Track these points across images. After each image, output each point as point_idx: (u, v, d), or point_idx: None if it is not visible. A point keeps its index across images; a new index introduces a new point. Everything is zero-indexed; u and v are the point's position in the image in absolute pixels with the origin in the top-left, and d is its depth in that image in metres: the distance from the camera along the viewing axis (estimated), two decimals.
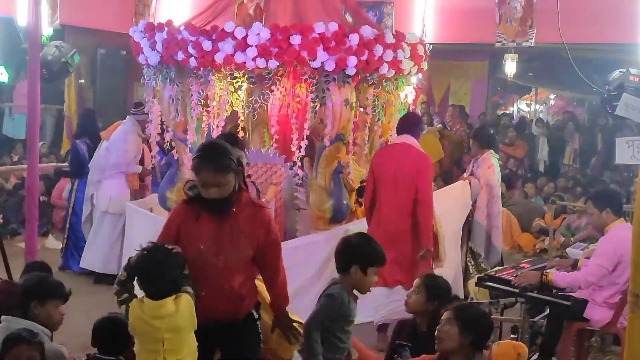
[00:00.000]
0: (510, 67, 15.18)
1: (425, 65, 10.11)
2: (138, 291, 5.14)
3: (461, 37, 14.62)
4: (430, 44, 10.40)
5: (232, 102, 9.24)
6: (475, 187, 9.86)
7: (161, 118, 9.83)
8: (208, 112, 9.32)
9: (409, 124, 8.83)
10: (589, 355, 7.95)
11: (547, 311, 7.89)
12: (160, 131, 9.96)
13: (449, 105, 19.32)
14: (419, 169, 8.37)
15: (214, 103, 9.18)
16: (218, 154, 5.19)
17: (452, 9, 14.01)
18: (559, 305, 7.51)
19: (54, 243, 12.60)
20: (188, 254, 5.20)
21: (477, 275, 8.39)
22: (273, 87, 8.96)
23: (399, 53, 9.21)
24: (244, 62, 8.75)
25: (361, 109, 9.63)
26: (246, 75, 8.95)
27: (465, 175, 10.24)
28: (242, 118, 9.30)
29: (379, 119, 9.73)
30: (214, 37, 8.83)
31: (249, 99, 9.06)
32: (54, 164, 15.33)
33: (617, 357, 7.96)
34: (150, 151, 10.44)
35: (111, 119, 11.18)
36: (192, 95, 9.32)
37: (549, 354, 7.56)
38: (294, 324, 5.75)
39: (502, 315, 8.25)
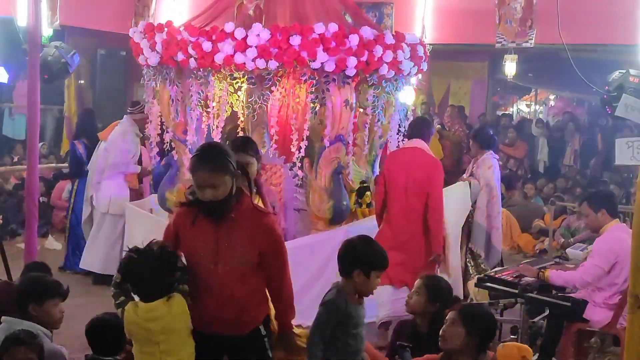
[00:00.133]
0: (509, 67, 15.18)
1: (425, 66, 10.11)
2: None
3: (461, 37, 14.63)
4: (430, 44, 10.41)
5: (231, 103, 9.25)
6: (475, 187, 9.86)
7: (161, 119, 9.83)
8: (208, 112, 9.32)
9: (420, 127, 8.98)
10: (588, 356, 7.94)
11: (547, 312, 7.91)
12: (159, 132, 9.96)
13: (447, 106, 19.32)
14: (430, 175, 8.45)
15: (214, 104, 9.18)
16: (214, 154, 5.08)
17: (452, 9, 14.02)
18: (559, 306, 7.53)
19: (53, 244, 12.62)
20: (187, 259, 5.15)
21: (477, 276, 8.40)
22: (273, 88, 8.95)
23: (399, 54, 9.21)
24: (244, 63, 8.74)
25: (361, 110, 9.64)
26: (246, 76, 8.95)
27: (465, 176, 10.24)
28: (241, 119, 9.30)
29: (378, 120, 9.73)
30: (213, 37, 8.83)
31: (249, 100, 9.06)
32: (53, 164, 15.35)
33: (617, 357, 7.95)
34: (150, 152, 10.44)
35: (111, 119, 11.19)
36: (191, 95, 9.32)
37: (549, 354, 7.57)
38: (300, 339, 5.64)
39: (501, 316, 8.27)
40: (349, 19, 10.15)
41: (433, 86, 20.54)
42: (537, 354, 7.56)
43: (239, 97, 9.22)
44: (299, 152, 8.96)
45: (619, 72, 11.06)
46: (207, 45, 8.81)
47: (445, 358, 5.17)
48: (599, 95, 11.80)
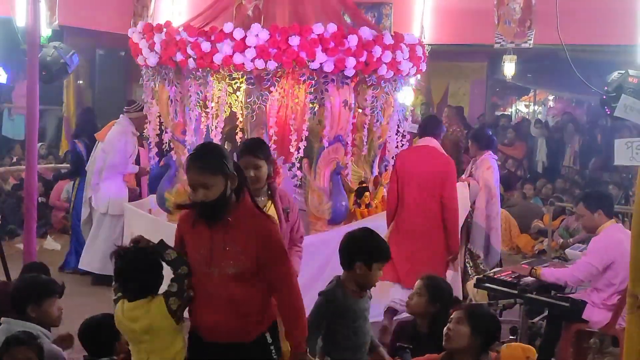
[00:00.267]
0: (508, 68, 15.18)
1: (424, 67, 10.11)
2: None
3: (460, 38, 14.63)
4: (428, 45, 10.44)
5: (230, 103, 9.26)
6: (474, 188, 9.85)
7: (160, 119, 9.84)
8: (207, 113, 9.33)
9: (432, 126, 9.01)
10: (587, 356, 7.94)
11: (546, 312, 7.91)
12: (158, 132, 9.96)
13: (445, 107, 19.32)
14: (444, 174, 8.52)
15: (213, 104, 9.19)
16: (207, 154, 4.93)
17: (451, 10, 14.02)
18: (558, 307, 7.53)
19: (52, 244, 12.61)
20: (190, 262, 5.01)
21: (476, 277, 8.39)
22: (272, 88, 8.97)
23: (398, 54, 9.22)
24: (243, 63, 8.75)
25: (360, 110, 9.64)
26: (245, 77, 8.96)
27: (464, 176, 10.24)
28: (240, 119, 9.31)
29: (377, 120, 9.75)
30: (212, 38, 8.84)
31: (248, 100, 9.07)
32: (52, 164, 15.34)
33: (616, 358, 7.94)
34: (149, 152, 10.43)
35: (110, 119, 11.16)
36: (190, 96, 9.34)
37: (548, 355, 7.57)
38: None
39: (500, 316, 8.25)
40: (347, 20, 10.18)
41: (432, 87, 20.54)
42: (537, 355, 7.55)
43: (237, 97, 9.24)
44: (298, 153, 8.98)
45: (618, 73, 11.07)
46: (206, 46, 8.82)
47: (447, 358, 5.16)
48: (598, 96, 11.81)
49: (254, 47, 8.69)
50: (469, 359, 5.06)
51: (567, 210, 13.76)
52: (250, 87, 9.02)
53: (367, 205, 9.85)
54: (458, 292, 9.24)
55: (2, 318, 5.53)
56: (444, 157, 8.78)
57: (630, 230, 6.82)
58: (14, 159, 16.18)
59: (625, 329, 5.96)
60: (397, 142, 10.17)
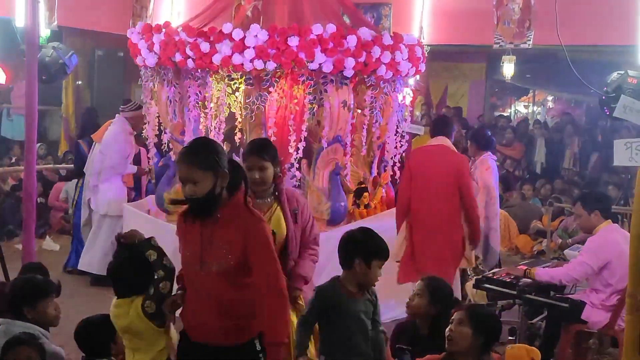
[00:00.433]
0: (507, 68, 15.16)
1: (422, 67, 10.12)
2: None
3: (459, 38, 14.61)
4: (427, 45, 10.43)
5: (229, 104, 9.26)
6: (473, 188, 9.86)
7: (158, 119, 9.84)
8: (206, 113, 9.33)
9: (443, 125, 9.15)
10: (587, 357, 7.96)
11: (545, 313, 7.91)
12: (157, 132, 9.97)
13: (442, 107, 19.32)
14: (459, 169, 8.64)
15: (212, 104, 9.19)
16: (198, 149, 4.86)
17: (450, 10, 14.00)
18: (557, 308, 7.54)
19: (51, 244, 12.62)
20: (182, 260, 5.00)
21: (475, 277, 8.40)
22: (271, 89, 8.96)
23: (397, 55, 9.21)
24: (242, 64, 8.75)
25: (359, 111, 9.64)
26: (244, 77, 8.96)
27: None
28: (239, 119, 9.31)
29: (376, 121, 9.74)
30: (211, 38, 8.83)
31: (247, 101, 9.07)
32: (51, 165, 15.34)
33: (615, 359, 7.96)
34: (148, 152, 10.43)
35: (109, 120, 11.17)
36: (189, 96, 9.35)
37: (548, 356, 7.57)
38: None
39: (499, 317, 8.26)
40: (347, 20, 10.17)
41: (431, 87, 20.54)
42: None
43: (236, 97, 9.24)
44: (297, 153, 8.97)
45: (618, 73, 11.07)
46: (205, 46, 8.82)
47: (448, 359, 5.16)
48: (597, 96, 11.81)
49: (253, 48, 8.68)
50: None
51: (566, 211, 13.77)
52: (249, 87, 9.02)
53: (366, 206, 9.85)
54: (457, 293, 9.26)
55: (1, 319, 5.53)
56: (457, 155, 8.96)
57: (628, 231, 6.86)
58: (13, 160, 16.18)
59: (624, 330, 5.97)
60: (396, 142, 10.17)
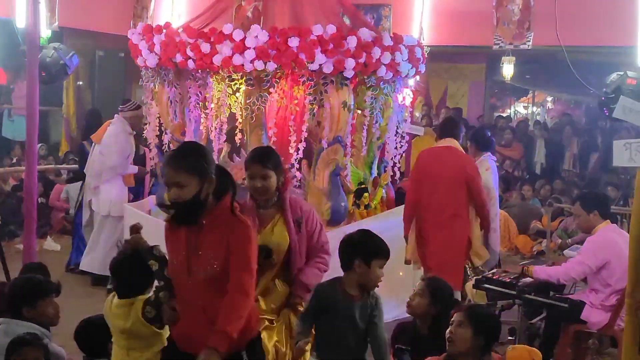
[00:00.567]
0: (507, 69, 15.18)
1: (422, 68, 10.13)
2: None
3: (459, 39, 14.64)
4: (427, 46, 10.44)
5: (230, 104, 9.27)
6: None
7: (159, 120, 9.86)
8: (206, 114, 9.35)
9: (451, 127, 9.18)
10: (586, 357, 7.97)
11: (545, 313, 7.92)
12: (158, 133, 9.98)
13: (442, 108, 19.33)
14: (466, 168, 8.69)
15: (212, 105, 9.21)
16: (185, 153, 4.81)
17: (450, 11, 14.03)
18: (557, 308, 7.55)
19: (52, 245, 12.65)
20: (170, 268, 4.89)
21: (475, 278, 8.42)
22: (271, 89, 8.97)
23: (397, 55, 9.23)
24: (242, 65, 8.76)
25: (359, 111, 9.65)
26: (244, 78, 8.97)
27: None
28: (240, 120, 9.32)
29: (376, 121, 9.76)
30: (212, 39, 8.85)
31: (247, 101, 9.08)
32: (52, 165, 15.36)
33: (615, 359, 7.97)
34: (150, 153, 10.44)
35: (108, 120, 11.19)
36: (190, 97, 9.36)
37: (547, 355, 7.58)
38: None
39: (499, 317, 8.27)
40: (347, 21, 10.18)
41: (431, 88, 20.55)
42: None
43: (237, 98, 9.24)
44: (297, 154, 8.99)
45: (617, 74, 11.09)
46: (205, 47, 8.84)
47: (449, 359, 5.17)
48: (596, 97, 11.83)
49: (254, 49, 8.70)
50: None
51: (566, 211, 13.79)
52: (249, 88, 9.03)
53: (366, 206, 9.86)
54: (456, 293, 9.29)
55: (1, 318, 5.54)
56: (464, 155, 8.99)
57: (627, 231, 6.88)
58: (14, 160, 16.20)
59: (623, 330, 5.99)
60: (396, 143, 10.18)
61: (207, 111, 9.32)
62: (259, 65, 8.72)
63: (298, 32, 8.74)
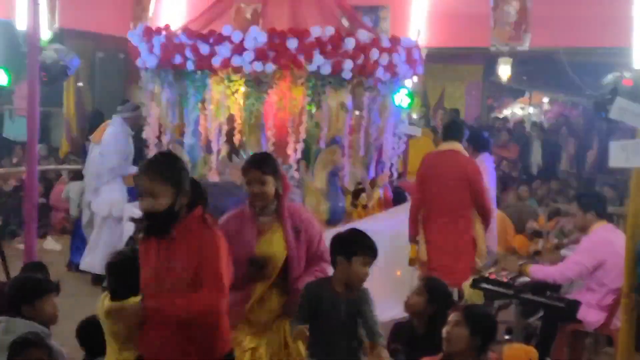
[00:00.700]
0: (504, 70, 15.25)
1: (420, 69, 10.18)
2: None
3: (456, 41, 14.67)
4: (425, 47, 10.48)
5: (229, 106, 9.31)
6: None
7: (159, 121, 9.89)
8: (205, 115, 9.40)
9: (454, 130, 9.19)
10: (582, 356, 8.02)
11: (542, 313, 7.97)
12: (158, 134, 10.01)
13: (439, 109, 19.36)
14: (469, 172, 8.72)
15: (211, 106, 9.25)
16: (161, 162, 4.67)
17: (447, 13, 14.07)
18: (553, 307, 7.58)
19: (52, 244, 12.69)
20: (141, 279, 4.77)
21: (472, 277, 8.46)
22: (270, 91, 9.02)
23: (395, 57, 9.28)
24: (241, 66, 8.80)
25: (357, 112, 9.70)
26: (243, 79, 9.01)
27: None
28: (239, 121, 9.37)
29: (374, 122, 9.80)
30: (211, 40, 8.88)
31: (246, 102, 9.13)
32: (52, 166, 15.39)
33: (611, 358, 8.01)
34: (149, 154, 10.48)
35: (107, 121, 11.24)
36: (189, 98, 9.39)
37: (544, 355, 7.62)
38: None
39: (496, 316, 8.31)
40: (345, 23, 10.22)
41: (428, 89, 20.58)
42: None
43: (236, 99, 9.28)
44: (296, 154, 9.03)
45: (613, 75, 11.14)
46: (204, 48, 8.87)
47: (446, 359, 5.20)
48: (593, 98, 11.87)
49: (252, 50, 8.74)
50: None
51: (562, 211, 13.82)
52: (248, 89, 9.07)
53: (364, 207, 9.91)
54: (453, 293, 9.34)
55: (1, 317, 5.56)
56: (467, 159, 8.99)
57: (623, 231, 6.94)
58: (15, 161, 16.22)
59: (619, 329, 6.06)
60: (394, 144, 10.23)
61: (206, 112, 9.36)
62: (258, 66, 8.76)
63: (296, 33, 8.78)
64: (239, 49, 8.76)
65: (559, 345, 7.70)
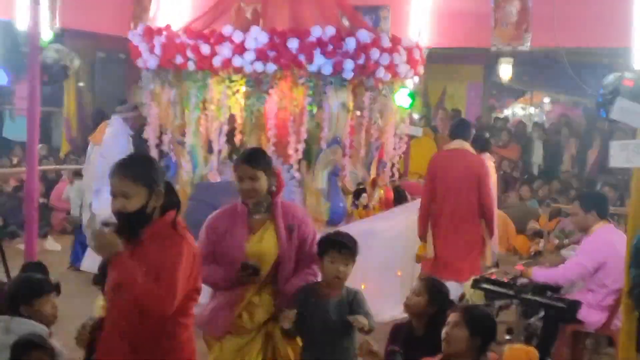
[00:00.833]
0: (505, 70, 15.26)
1: (421, 69, 10.18)
2: None
3: (457, 41, 14.63)
4: (426, 47, 10.47)
5: (229, 106, 9.31)
6: None
7: (160, 121, 9.89)
8: (206, 115, 9.39)
9: (462, 129, 9.39)
10: (583, 357, 8.01)
11: (542, 313, 7.96)
12: (158, 134, 10.01)
13: (440, 109, 19.35)
14: (478, 172, 8.98)
15: (212, 106, 9.25)
16: (134, 162, 4.59)
17: (448, 13, 14.03)
18: (554, 308, 7.57)
19: (53, 245, 12.68)
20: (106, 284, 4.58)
21: (473, 277, 8.46)
22: (270, 91, 9.02)
23: (396, 57, 9.28)
24: (242, 66, 8.82)
25: (358, 113, 9.70)
26: (244, 79, 9.03)
27: None
28: (239, 121, 9.37)
29: (375, 122, 9.80)
30: (212, 41, 8.90)
31: (247, 102, 9.13)
32: (53, 166, 15.39)
33: (612, 358, 8.01)
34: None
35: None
36: (190, 98, 9.39)
37: (545, 355, 7.61)
38: None
39: (497, 317, 8.31)
40: (346, 23, 10.22)
41: (429, 89, 20.56)
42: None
43: (237, 99, 9.29)
44: (297, 154, 9.03)
45: (614, 75, 11.11)
46: (205, 49, 8.88)
47: None
48: (594, 98, 11.85)
49: (253, 50, 8.75)
50: None
51: (563, 211, 13.82)
52: (249, 89, 9.09)
53: (365, 207, 9.91)
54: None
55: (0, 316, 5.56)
56: (477, 157, 9.21)
57: (624, 231, 6.93)
58: (15, 161, 16.22)
59: (621, 330, 6.05)
60: (395, 144, 10.24)
61: (206, 112, 9.36)
62: (259, 66, 8.78)
63: (297, 33, 8.80)
64: (240, 49, 8.77)
65: (559, 346, 7.69)
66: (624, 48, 12.19)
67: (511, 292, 7.66)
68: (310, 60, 8.74)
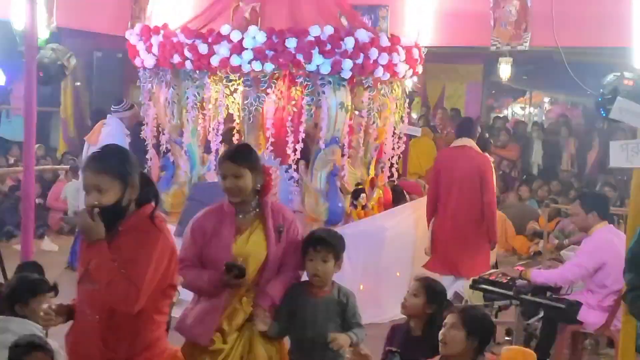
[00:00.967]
0: (504, 70, 15.21)
1: (420, 69, 10.15)
2: None
3: (456, 40, 14.61)
4: (425, 47, 10.45)
5: (227, 105, 9.29)
6: None
7: (157, 121, 9.87)
8: (204, 115, 9.37)
9: (467, 127, 9.56)
10: (583, 357, 7.98)
11: (542, 314, 7.94)
12: (156, 134, 9.99)
13: (439, 109, 19.33)
14: (482, 170, 9.14)
15: (210, 106, 9.22)
16: (107, 155, 4.37)
17: (447, 12, 14.00)
18: (553, 308, 7.56)
19: (50, 245, 12.65)
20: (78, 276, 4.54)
21: (472, 278, 8.43)
22: (268, 90, 9.00)
23: (394, 56, 9.26)
24: (240, 65, 8.79)
25: (356, 112, 9.68)
26: (242, 78, 9.01)
27: None
28: (237, 121, 9.34)
29: (374, 122, 9.78)
30: (209, 40, 8.88)
31: (245, 102, 9.11)
32: (49, 166, 15.36)
33: (611, 359, 7.99)
34: (146, 154, 10.43)
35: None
36: (187, 98, 9.37)
37: (544, 356, 7.60)
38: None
39: (496, 317, 8.28)
40: (344, 22, 10.20)
41: (428, 89, 20.54)
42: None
43: (235, 99, 9.26)
44: (295, 154, 9.00)
45: (614, 75, 11.09)
46: (203, 48, 8.86)
47: None
48: (593, 98, 11.83)
49: (251, 49, 8.73)
50: None
51: (563, 212, 13.80)
52: (247, 89, 9.06)
53: (364, 207, 9.88)
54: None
55: None
56: (481, 155, 9.32)
57: (624, 232, 6.89)
58: (12, 161, 16.19)
59: (620, 331, 6.01)
60: (393, 144, 10.21)
61: (204, 112, 9.34)
62: (257, 66, 8.75)
63: (295, 33, 8.77)
64: (238, 49, 8.75)
65: (559, 347, 7.68)
66: (623, 48, 12.17)
67: (510, 293, 7.64)
68: (308, 59, 8.71)
